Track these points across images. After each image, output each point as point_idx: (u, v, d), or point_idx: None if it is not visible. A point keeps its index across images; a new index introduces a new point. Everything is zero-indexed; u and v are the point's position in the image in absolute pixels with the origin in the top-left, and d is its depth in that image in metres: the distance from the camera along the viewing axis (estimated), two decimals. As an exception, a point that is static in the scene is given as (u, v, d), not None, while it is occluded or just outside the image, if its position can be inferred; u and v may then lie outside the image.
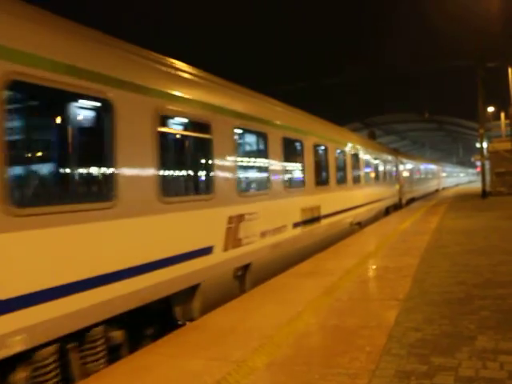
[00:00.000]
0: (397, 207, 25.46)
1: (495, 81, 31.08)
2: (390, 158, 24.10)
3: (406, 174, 29.26)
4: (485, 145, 32.80)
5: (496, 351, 4.27)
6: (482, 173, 32.06)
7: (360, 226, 16.19)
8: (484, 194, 30.05)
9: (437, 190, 47.19)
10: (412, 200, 30.75)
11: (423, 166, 39.44)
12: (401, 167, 27.35)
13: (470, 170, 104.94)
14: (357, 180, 16.13)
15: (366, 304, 6.24)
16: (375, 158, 19.88)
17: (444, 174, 60.20)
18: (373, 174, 19.19)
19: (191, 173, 6.97)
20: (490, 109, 39.65)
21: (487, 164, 33.52)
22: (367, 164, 18.17)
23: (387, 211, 22.61)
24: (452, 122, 57.03)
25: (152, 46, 6.28)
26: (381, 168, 21.17)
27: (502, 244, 10.40)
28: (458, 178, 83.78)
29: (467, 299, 6.09)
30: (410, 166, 31.33)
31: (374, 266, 8.83)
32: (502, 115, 38.52)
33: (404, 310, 5.75)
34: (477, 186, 49.85)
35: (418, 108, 46.40)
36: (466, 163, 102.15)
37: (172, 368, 4.38)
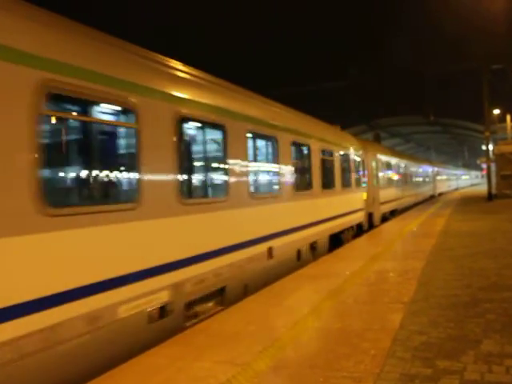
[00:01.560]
0: (363, 229, 16.24)
1: (501, 83, 30.99)
2: (348, 150, 14.78)
3: (383, 175, 21.06)
4: (490, 147, 32.68)
5: (502, 355, 4.24)
6: (488, 175, 31.94)
7: (244, 293, 7.52)
8: (490, 196, 29.94)
9: (432, 196, 40.11)
10: (393, 213, 22.25)
11: (412, 166, 31.28)
12: (373, 166, 18.92)
13: (473, 172, 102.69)
14: (241, 191, 7.81)
15: (370, 307, 6.23)
16: (306, 148, 11.05)
17: (442, 177, 51.92)
18: (297, 177, 10.29)
19: None
20: (496, 111, 39.50)
21: (493, 166, 33.39)
22: (287, 158, 9.75)
23: (337, 240, 13.18)
24: (457, 124, 56.82)
25: (153, 48, 6.35)
26: (322, 166, 11.88)
27: (508, 247, 10.34)
28: (457, 181, 71.97)
29: (473, 302, 6.06)
30: (391, 165, 23.26)
31: (379, 269, 8.81)
32: (508, 117, 38.36)
33: (409, 313, 5.73)
34: (480, 188, 49.56)
35: (423, 110, 46.29)
36: (471, 165, 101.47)
37: (178, 370, 4.39)
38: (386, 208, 20.80)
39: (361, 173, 16.54)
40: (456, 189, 63.72)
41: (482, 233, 13.21)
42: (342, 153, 14.04)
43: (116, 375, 4.41)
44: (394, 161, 24.17)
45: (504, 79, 30.79)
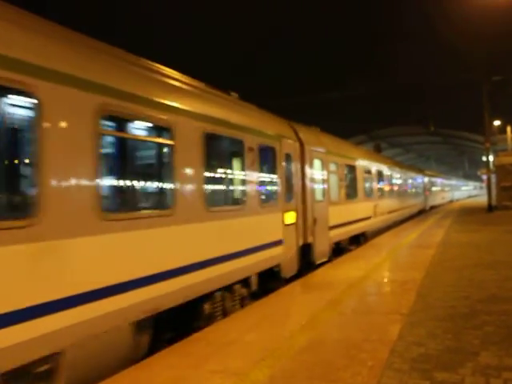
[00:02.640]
0: (283, 276, 9.27)
1: (501, 94, 31.14)
2: (248, 136, 8.13)
3: (339, 184, 13.61)
4: (491, 158, 32.75)
5: (500, 367, 4.23)
6: (488, 186, 31.96)
7: None
8: (490, 208, 29.91)
9: (421, 211, 32.87)
10: (357, 238, 15.36)
11: (392, 173, 22.96)
12: (319, 169, 11.87)
13: (471, 183, 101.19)
14: None
15: (369, 318, 6.21)
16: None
17: (436, 188, 44.73)
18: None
19: None
20: (496, 122, 39.65)
21: (493, 178, 33.43)
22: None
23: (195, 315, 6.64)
24: (458, 135, 56.97)
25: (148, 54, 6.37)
26: (123, 161, 5.81)
27: (508, 258, 10.33)
28: (452, 193, 63.69)
29: (471, 314, 6.04)
30: (354, 169, 15.54)
31: (378, 280, 8.79)
32: (508, 129, 38.51)
33: (407, 325, 5.72)
34: (480, 200, 49.19)
35: (423, 121, 46.42)
36: (471, 176, 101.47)
37: (174, 380, 4.37)
38: (343, 234, 13.45)
39: (295, 180, 10.34)
40: (451, 201, 57.34)
41: (481, 244, 13.19)
42: (224, 137, 7.63)
43: (115, 383, 4.40)
44: (360, 163, 16.40)
45: (504, 90, 30.96)
